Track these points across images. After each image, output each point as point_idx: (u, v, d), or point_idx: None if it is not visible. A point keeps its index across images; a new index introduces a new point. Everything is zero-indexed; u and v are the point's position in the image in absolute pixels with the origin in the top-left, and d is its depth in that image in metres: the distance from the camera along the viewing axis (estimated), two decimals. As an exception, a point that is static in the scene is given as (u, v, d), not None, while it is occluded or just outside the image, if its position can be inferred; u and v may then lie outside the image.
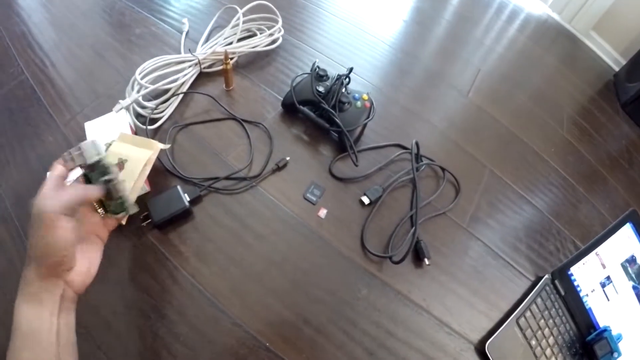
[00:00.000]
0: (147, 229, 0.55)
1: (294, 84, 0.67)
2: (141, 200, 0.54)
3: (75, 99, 0.66)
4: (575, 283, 0.61)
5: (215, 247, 0.55)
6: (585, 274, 0.60)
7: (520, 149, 0.79)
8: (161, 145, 0.53)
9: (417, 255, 0.58)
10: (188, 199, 0.55)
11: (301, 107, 0.65)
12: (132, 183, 0.49)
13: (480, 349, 0.54)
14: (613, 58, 1.24)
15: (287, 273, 0.54)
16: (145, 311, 0.49)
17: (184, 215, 0.55)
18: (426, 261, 0.57)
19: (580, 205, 0.75)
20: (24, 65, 0.70)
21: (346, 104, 0.64)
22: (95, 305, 0.48)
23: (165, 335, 0.48)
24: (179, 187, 0.55)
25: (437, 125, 0.76)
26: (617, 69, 1.20)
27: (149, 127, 0.62)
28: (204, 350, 0.48)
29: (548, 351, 0.57)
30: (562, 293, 0.61)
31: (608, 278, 0.60)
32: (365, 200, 0.61)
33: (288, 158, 0.63)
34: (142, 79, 0.61)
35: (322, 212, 0.59)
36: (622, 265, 0.60)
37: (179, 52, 0.75)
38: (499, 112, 0.83)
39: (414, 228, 0.58)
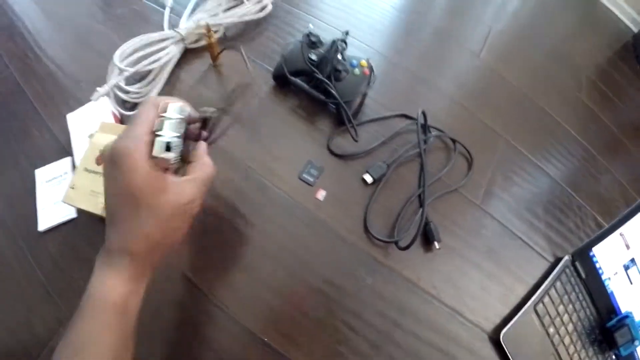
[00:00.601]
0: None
1: (284, 54, 0.60)
2: None
3: (59, 88, 0.62)
4: (597, 265, 0.56)
5: (204, 237, 0.50)
6: (607, 256, 0.55)
7: (537, 115, 0.72)
8: None
9: (427, 238, 0.53)
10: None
11: (293, 78, 0.58)
12: None
13: (495, 339, 0.50)
14: (632, 18, 1.16)
15: (284, 262, 0.50)
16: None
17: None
18: (436, 245, 0.52)
19: (601, 178, 0.69)
20: (7, 59, 0.66)
21: (343, 72, 0.57)
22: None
23: (158, 331, 0.45)
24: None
25: (446, 91, 0.69)
26: (635, 30, 1.12)
27: (132, 113, 0.57)
28: (198, 348, 0.45)
29: (567, 339, 0.53)
30: (583, 276, 0.57)
31: (632, 260, 0.54)
32: (368, 178, 0.55)
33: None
34: (122, 61, 0.55)
35: (321, 194, 0.54)
36: (649, 246, 0.54)
37: (163, 29, 0.68)
38: (513, 75, 0.75)
39: (422, 209, 0.52)
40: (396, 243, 0.51)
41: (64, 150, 0.56)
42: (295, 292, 0.48)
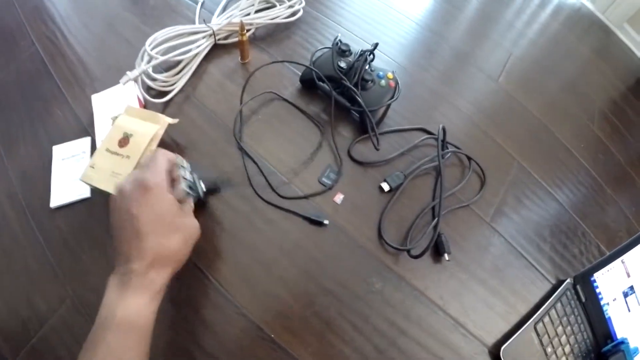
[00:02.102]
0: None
1: (313, 59, 0.62)
2: None
3: (86, 71, 0.64)
4: (597, 290, 0.57)
5: (222, 230, 0.51)
6: (608, 282, 0.57)
7: (550, 143, 0.74)
8: (169, 120, 0.51)
9: (437, 249, 0.55)
10: (204, 189, 0.49)
11: (321, 83, 0.60)
12: (137, 159, 0.47)
13: (495, 353, 0.51)
14: (646, 54, 1.17)
15: (298, 261, 0.51)
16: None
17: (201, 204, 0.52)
18: (446, 256, 0.54)
19: (607, 208, 0.70)
20: (35, 38, 0.68)
21: (369, 82, 0.59)
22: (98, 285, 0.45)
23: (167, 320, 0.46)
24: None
25: (465, 111, 0.71)
26: (650, 65, 1.14)
27: (159, 100, 0.58)
28: (206, 338, 0.45)
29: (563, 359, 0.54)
30: (583, 299, 0.58)
31: (631, 288, 0.56)
32: (385, 186, 0.57)
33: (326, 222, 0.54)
34: (152, 50, 0.57)
35: (339, 198, 0.55)
36: (648, 275, 0.56)
37: (194, 24, 0.70)
38: (529, 101, 0.77)
39: (436, 220, 0.54)
40: (408, 251, 0.52)
41: (85, 130, 0.57)
42: (306, 291, 0.49)
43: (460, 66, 0.79)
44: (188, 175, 0.46)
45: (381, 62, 0.73)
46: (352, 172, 0.58)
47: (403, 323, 0.50)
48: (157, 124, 0.50)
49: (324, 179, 0.56)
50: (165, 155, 0.43)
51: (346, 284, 0.50)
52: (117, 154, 0.48)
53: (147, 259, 0.37)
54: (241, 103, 0.61)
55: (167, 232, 0.39)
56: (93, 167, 0.48)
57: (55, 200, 0.51)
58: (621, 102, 0.94)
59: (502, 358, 0.50)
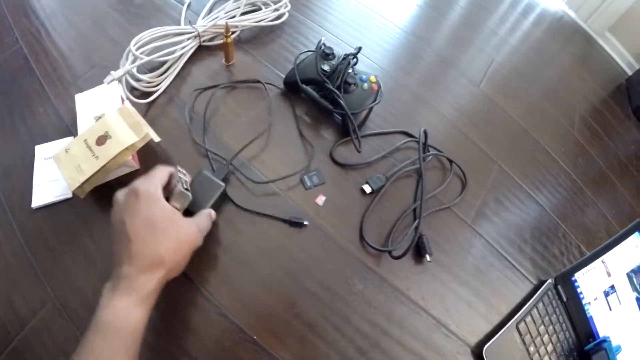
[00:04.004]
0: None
1: (297, 62, 0.63)
2: (130, 178, 0.50)
3: (69, 69, 0.63)
4: (579, 290, 0.58)
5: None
6: (589, 281, 0.58)
7: (530, 147, 0.75)
8: (152, 136, 0.50)
9: (418, 250, 0.55)
10: (221, 180, 0.50)
11: (304, 86, 0.61)
12: (103, 163, 0.46)
13: (477, 353, 0.51)
14: (627, 61, 1.20)
15: (279, 262, 0.51)
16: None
17: (223, 199, 0.52)
18: (427, 257, 0.54)
19: (587, 210, 0.72)
20: (19, 34, 0.66)
21: (352, 86, 0.60)
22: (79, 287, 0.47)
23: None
24: (205, 172, 0.50)
25: (447, 115, 0.72)
26: (630, 72, 1.17)
27: (142, 101, 0.58)
28: (187, 340, 0.45)
29: (546, 358, 0.54)
30: (564, 299, 0.59)
31: (612, 287, 0.57)
32: (367, 188, 0.57)
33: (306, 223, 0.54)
34: (137, 50, 0.57)
35: (320, 199, 0.56)
36: (628, 275, 0.57)
37: (180, 25, 0.70)
38: (510, 106, 0.79)
39: (417, 222, 0.54)
40: (390, 252, 0.53)
41: (68, 130, 0.56)
42: (288, 293, 0.49)
43: (443, 71, 0.81)
44: (186, 179, 0.46)
45: (365, 67, 0.73)
46: (334, 174, 0.59)
47: (385, 324, 0.50)
48: (138, 137, 0.48)
49: (306, 179, 0.57)
50: (162, 169, 0.43)
51: (328, 285, 0.51)
52: (90, 149, 0.48)
53: (136, 263, 0.37)
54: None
55: (158, 237, 0.38)
56: (67, 152, 0.48)
57: (37, 201, 0.50)
58: (602, 108, 0.96)
59: (485, 357, 0.50)
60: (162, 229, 0.39)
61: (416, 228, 0.54)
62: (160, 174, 0.43)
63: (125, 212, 0.39)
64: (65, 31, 0.68)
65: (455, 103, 0.75)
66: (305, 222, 0.53)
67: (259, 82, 0.65)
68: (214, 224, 0.48)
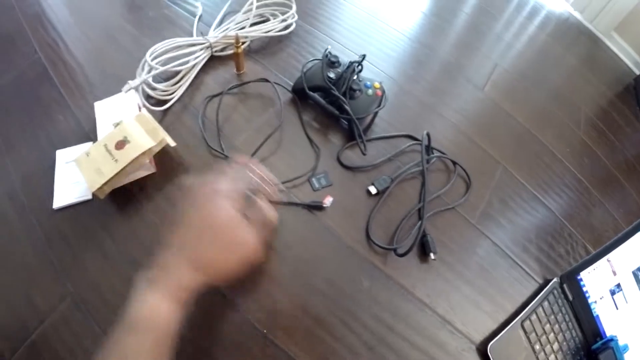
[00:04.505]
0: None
1: (304, 70, 0.66)
2: (147, 180, 0.55)
3: (86, 78, 0.66)
4: (584, 289, 0.58)
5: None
6: (594, 280, 0.58)
7: (535, 148, 0.76)
8: (168, 140, 0.53)
9: (423, 249, 0.57)
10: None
11: (311, 93, 0.63)
12: (122, 166, 0.49)
13: (482, 350, 0.52)
14: (634, 61, 1.20)
15: (288, 260, 0.53)
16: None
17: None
18: (432, 256, 0.55)
19: (594, 209, 0.72)
20: (37, 45, 0.70)
21: (357, 92, 0.62)
22: (97, 283, 0.48)
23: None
24: None
25: (451, 119, 0.74)
26: (638, 72, 1.16)
27: (157, 109, 0.61)
28: (200, 334, 0.47)
29: (552, 357, 0.55)
30: (570, 298, 0.59)
31: (618, 286, 0.57)
32: (373, 190, 0.59)
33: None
34: (152, 60, 0.60)
35: (328, 200, 0.58)
36: (634, 273, 0.57)
37: (191, 36, 0.74)
38: (515, 109, 0.80)
39: (420, 221, 0.56)
40: (395, 250, 0.54)
41: (87, 136, 0.59)
42: (297, 290, 0.51)
43: (447, 77, 0.83)
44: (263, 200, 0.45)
45: (370, 74, 0.76)
46: (341, 177, 0.61)
47: (391, 320, 0.51)
48: (155, 141, 0.51)
49: (314, 180, 0.59)
50: (249, 173, 0.43)
51: (335, 283, 0.52)
52: (110, 153, 0.50)
53: (178, 256, 0.36)
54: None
55: (215, 240, 0.37)
56: (87, 155, 0.51)
57: (58, 202, 0.52)
58: (608, 108, 0.96)
59: (489, 355, 0.51)
60: (224, 236, 0.38)
61: (419, 227, 0.55)
62: (243, 177, 0.42)
63: (196, 203, 0.38)
64: (81, 42, 0.71)
65: (459, 107, 0.76)
66: (325, 204, 0.56)
67: (267, 81, 0.67)
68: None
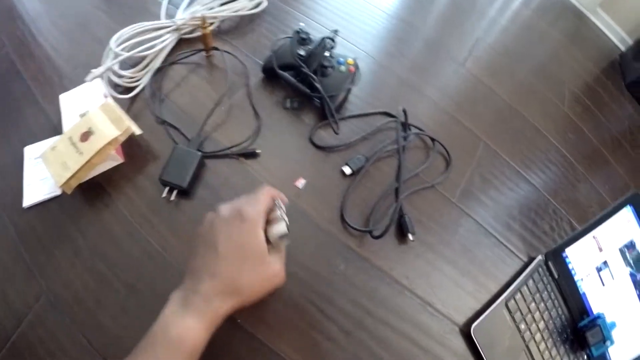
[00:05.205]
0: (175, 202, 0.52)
1: (275, 48, 0.63)
2: (115, 171, 0.53)
3: (55, 70, 0.63)
4: (570, 266, 0.57)
5: (184, 217, 0.51)
6: (580, 257, 0.57)
7: (518, 123, 0.74)
8: (134, 129, 0.51)
9: (401, 230, 0.54)
10: (197, 149, 0.53)
11: (281, 72, 0.61)
12: (88, 158, 0.47)
13: (465, 332, 0.50)
14: (620, 37, 1.19)
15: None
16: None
17: (201, 167, 0.54)
18: (410, 237, 0.53)
19: (579, 185, 0.70)
20: (6, 39, 0.67)
21: (329, 69, 0.59)
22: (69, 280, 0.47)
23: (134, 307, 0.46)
24: (180, 145, 0.53)
25: (430, 95, 0.71)
26: (623, 48, 1.16)
27: (125, 96, 0.58)
28: None
29: (537, 336, 0.53)
30: (556, 276, 0.58)
31: (605, 263, 0.56)
32: (347, 170, 0.57)
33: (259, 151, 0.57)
34: (118, 47, 0.58)
35: (300, 182, 0.55)
36: (620, 250, 0.55)
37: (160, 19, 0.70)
38: (497, 84, 0.78)
39: (397, 199, 0.54)
40: (370, 232, 0.52)
41: (56, 130, 0.56)
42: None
43: (427, 53, 0.80)
44: (285, 217, 0.43)
45: (347, 51, 0.72)
46: (314, 158, 0.58)
47: (369, 304, 0.49)
48: (119, 131, 0.49)
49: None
50: (270, 193, 0.42)
51: (309, 267, 0.50)
52: (75, 146, 0.48)
53: (217, 284, 0.36)
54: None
55: (246, 266, 0.38)
56: (53, 150, 0.49)
57: (28, 200, 0.51)
58: (594, 84, 0.95)
59: (473, 336, 0.49)
60: (252, 262, 0.38)
61: (395, 207, 0.53)
62: (265, 200, 0.41)
63: (225, 230, 0.38)
64: (50, 33, 0.68)
65: (439, 83, 0.74)
66: (258, 151, 0.55)
67: (216, 49, 0.65)
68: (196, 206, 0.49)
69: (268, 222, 0.41)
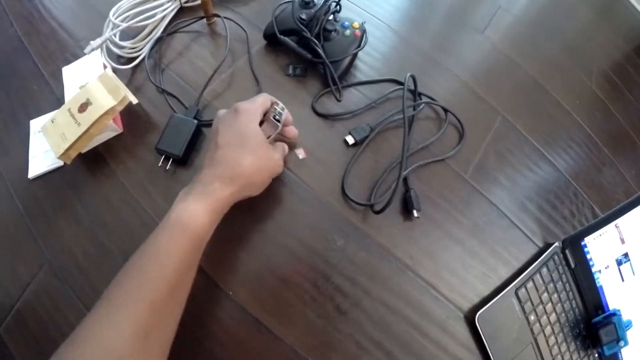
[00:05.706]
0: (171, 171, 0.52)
1: (276, 13, 0.59)
2: (116, 141, 0.53)
3: (60, 46, 0.63)
4: (589, 256, 0.52)
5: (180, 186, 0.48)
6: (600, 247, 0.52)
7: (540, 98, 0.68)
8: (131, 98, 0.51)
9: (407, 206, 0.50)
10: (194, 118, 0.52)
11: (282, 37, 0.57)
12: (85, 128, 0.48)
13: (470, 319, 0.47)
14: (654, 15, 1.10)
15: (254, 216, 0.48)
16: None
17: (197, 136, 0.53)
18: (415, 213, 0.49)
19: (603, 169, 0.65)
20: (13, 18, 0.67)
21: (332, 33, 0.55)
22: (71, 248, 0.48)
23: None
24: (177, 114, 0.52)
25: (444, 63, 0.66)
26: (657, 26, 1.07)
27: (126, 67, 0.58)
28: None
29: (548, 329, 0.49)
30: (572, 265, 0.53)
31: (626, 255, 0.51)
32: (350, 139, 0.53)
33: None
34: (117, 18, 0.57)
35: (301, 152, 0.52)
36: (644, 243, 0.51)
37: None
38: (519, 56, 0.71)
39: (399, 173, 0.48)
40: (371, 207, 0.48)
41: (59, 102, 0.56)
42: (263, 249, 0.47)
43: (442, 19, 0.74)
44: (282, 112, 0.47)
45: (355, 15, 0.67)
46: (316, 126, 0.55)
47: (368, 283, 0.46)
48: (116, 100, 0.49)
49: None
50: (265, 96, 0.46)
51: (305, 241, 0.47)
52: (73, 117, 0.49)
53: (216, 168, 0.39)
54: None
55: (243, 151, 0.40)
56: (52, 122, 0.50)
57: (33, 171, 0.52)
58: (624, 61, 0.87)
59: (477, 324, 0.46)
60: (251, 146, 0.41)
61: (398, 180, 0.48)
62: (263, 99, 0.45)
63: (222, 122, 0.42)
64: (55, 9, 0.68)
65: (455, 50, 0.68)
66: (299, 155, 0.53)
67: (217, 16, 0.63)
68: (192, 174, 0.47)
69: (264, 121, 0.45)
